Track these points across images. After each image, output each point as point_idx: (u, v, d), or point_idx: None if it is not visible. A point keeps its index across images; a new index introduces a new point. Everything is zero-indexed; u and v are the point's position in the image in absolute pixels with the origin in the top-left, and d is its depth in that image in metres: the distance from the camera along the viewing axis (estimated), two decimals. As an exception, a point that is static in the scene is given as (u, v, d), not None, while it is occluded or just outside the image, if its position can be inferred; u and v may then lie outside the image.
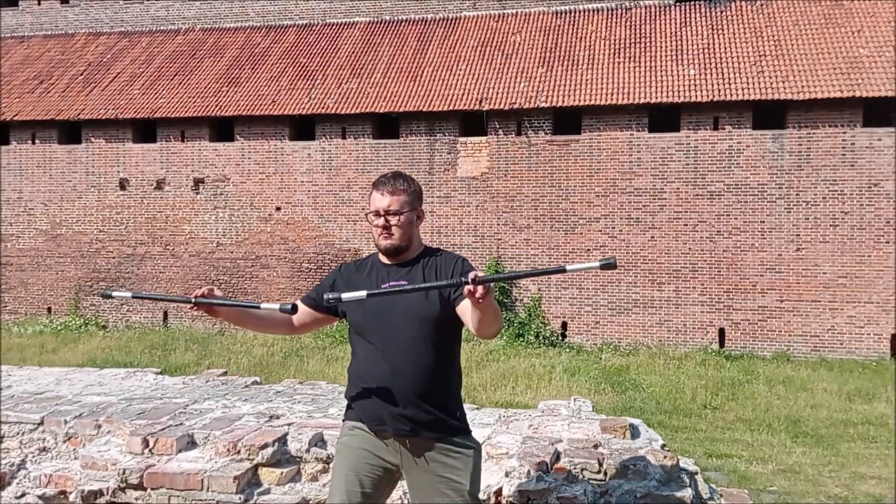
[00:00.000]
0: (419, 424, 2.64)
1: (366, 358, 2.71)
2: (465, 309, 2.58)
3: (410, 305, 2.66)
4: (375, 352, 2.68)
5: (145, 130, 17.54)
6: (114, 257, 17.44)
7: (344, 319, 2.87)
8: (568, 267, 2.42)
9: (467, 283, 2.30)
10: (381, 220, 2.74)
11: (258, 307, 2.79)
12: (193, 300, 2.74)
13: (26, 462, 3.83)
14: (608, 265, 2.31)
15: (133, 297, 3.04)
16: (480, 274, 2.33)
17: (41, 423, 3.96)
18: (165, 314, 17.12)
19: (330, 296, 2.54)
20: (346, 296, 2.50)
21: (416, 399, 2.63)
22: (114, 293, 2.97)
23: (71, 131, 17.86)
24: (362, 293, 2.49)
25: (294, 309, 2.68)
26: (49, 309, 17.68)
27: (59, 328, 16.64)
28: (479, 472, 2.76)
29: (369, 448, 2.72)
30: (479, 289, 2.30)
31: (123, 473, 3.45)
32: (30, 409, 4.10)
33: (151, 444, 3.62)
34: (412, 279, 2.72)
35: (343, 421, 2.84)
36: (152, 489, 3.42)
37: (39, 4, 20.54)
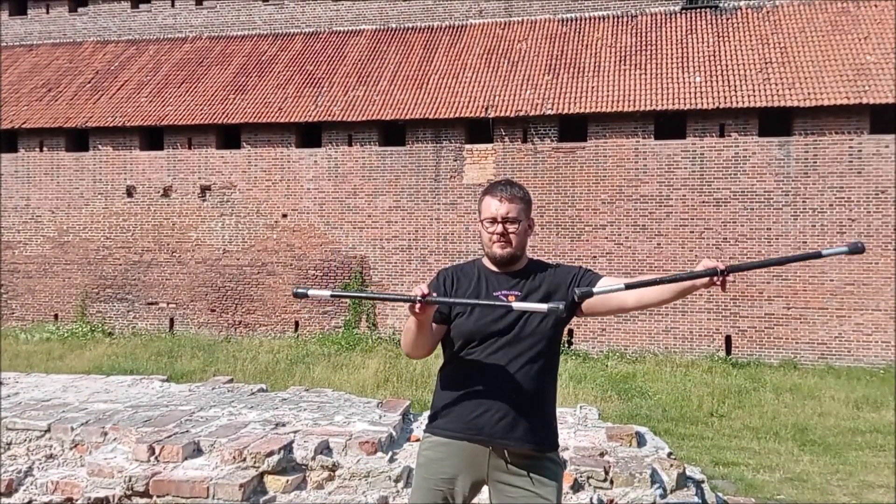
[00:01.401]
0: (523, 434, 2.59)
1: (474, 367, 2.63)
2: (612, 297, 2.56)
3: (527, 317, 2.61)
4: (486, 361, 2.62)
5: (152, 138, 17.61)
6: (120, 264, 17.49)
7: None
8: (823, 252, 2.44)
9: (720, 272, 2.32)
10: (500, 228, 2.66)
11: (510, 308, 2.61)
12: (420, 299, 2.45)
13: (33, 469, 3.84)
14: (857, 250, 2.38)
15: (332, 297, 2.77)
16: (715, 264, 2.35)
17: (48, 430, 3.97)
18: (172, 321, 17.15)
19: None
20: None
21: (520, 409, 2.59)
22: (310, 292, 2.64)
23: (78, 139, 17.94)
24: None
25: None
26: (56, 316, 17.73)
27: (65, 335, 16.67)
28: (562, 490, 2.72)
29: (455, 465, 2.64)
30: (729, 278, 2.34)
31: (129, 481, 3.45)
32: (37, 416, 4.11)
33: (157, 452, 3.63)
34: (527, 289, 2.66)
35: (426, 433, 2.76)
36: (158, 496, 3.42)
37: (48, 13, 20.66)
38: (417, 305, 2.45)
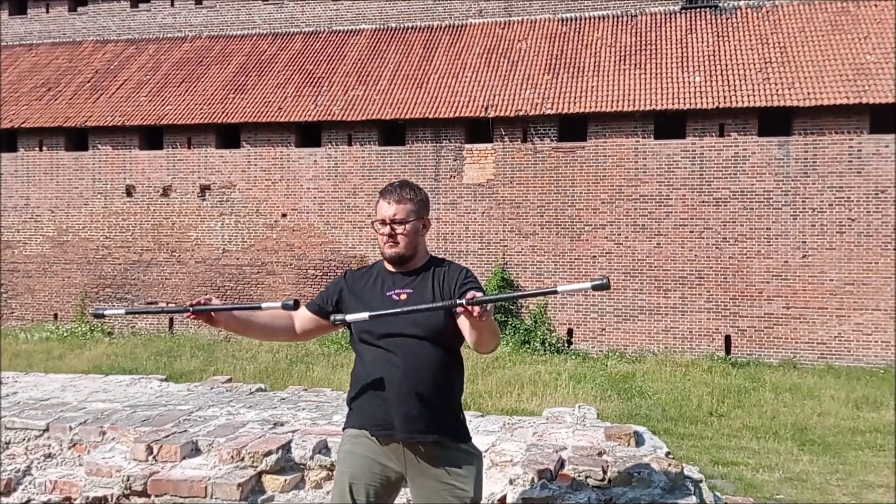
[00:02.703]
0: (427, 426, 2.64)
1: (372, 362, 2.71)
2: (464, 324, 2.62)
3: (418, 314, 2.67)
4: (382, 356, 2.69)
5: (152, 137, 17.61)
6: (120, 264, 17.49)
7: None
8: (559, 288, 2.45)
9: (462, 304, 2.36)
10: (387, 229, 2.75)
11: (259, 307, 2.76)
12: (191, 308, 2.69)
13: (31, 468, 3.84)
14: (600, 287, 2.33)
15: (127, 314, 2.90)
16: (479, 295, 2.38)
17: (46, 430, 3.97)
18: (171, 321, 17.15)
19: (337, 317, 2.62)
20: (350, 317, 2.58)
21: (424, 400, 2.64)
22: (106, 311, 2.81)
23: (78, 138, 17.95)
24: (364, 315, 2.54)
25: (296, 304, 2.69)
26: (55, 315, 17.73)
27: (65, 334, 16.68)
28: (481, 480, 2.76)
29: (373, 456, 2.71)
30: (476, 309, 2.36)
31: (127, 480, 3.45)
32: (35, 416, 4.11)
33: (156, 451, 3.63)
34: (418, 288, 2.75)
35: (344, 429, 2.84)
36: (156, 496, 3.42)
37: (48, 12, 20.66)
38: (187, 314, 2.68)
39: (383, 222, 2.75)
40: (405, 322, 2.66)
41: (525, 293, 2.59)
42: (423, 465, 2.67)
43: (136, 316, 17.28)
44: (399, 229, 2.74)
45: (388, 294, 2.75)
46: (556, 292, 2.48)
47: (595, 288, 2.33)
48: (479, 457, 2.80)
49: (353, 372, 2.82)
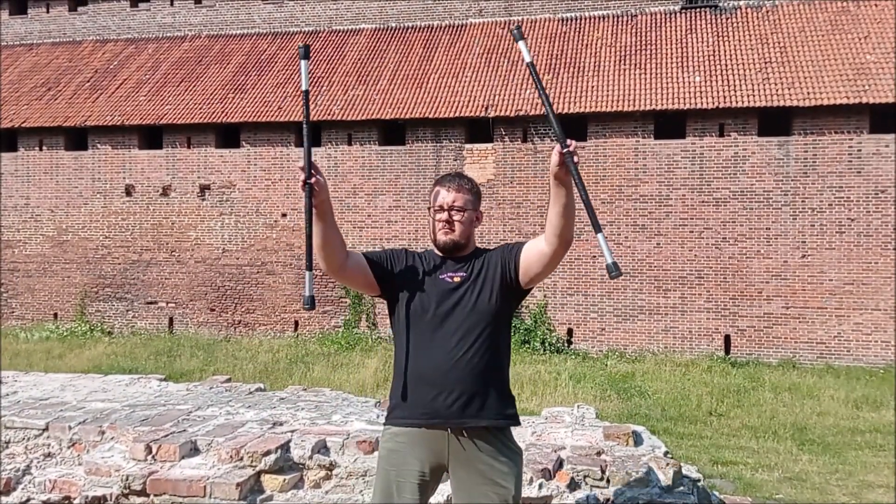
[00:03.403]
0: (480, 410, 2.63)
1: (423, 347, 2.68)
2: (529, 249, 2.77)
3: (469, 297, 2.70)
4: (435, 341, 2.67)
5: (151, 137, 17.61)
6: (119, 263, 17.50)
7: (387, 300, 2.82)
8: (599, 236, 2.70)
9: (566, 149, 2.56)
10: (445, 215, 2.75)
11: (309, 266, 2.64)
12: (309, 182, 2.60)
13: (31, 467, 3.85)
14: (611, 270, 2.54)
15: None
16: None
17: (46, 429, 3.97)
18: (171, 320, 17.15)
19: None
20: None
21: (476, 386, 2.63)
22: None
23: (77, 138, 17.95)
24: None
25: (312, 305, 2.62)
26: (55, 315, 17.74)
27: (65, 334, 16.68)
28: (521, 480, 2.74)
29: (415, 454, 2.67)
30: (572, 143, 2.56)
31: (127, 480, 3.46)
32: (35, 415, 4.12)
33: (155, 451, 3.63)
34: (470, 272, 2.75)
35: (385, 424, 2.79)
36: (155, 496, 3.42)
37: (48, 12, 20.67)
38: (310, 182, 2.58)
39: (441, 208, 2.76)
40: (459, 305, 2.67)
41: (589, 205, 2.77)
42: (468, 455, 2.64)
43: (136, 315, 17.28)
44: (457, 216, 2.75)
45: (441, 277, 2.74)
46: (599, 229, 2.68)
47: (609, 267, 2.49)
48: (521, 455, 2.77)
49: (398, 360, 2.77)
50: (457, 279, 2.73)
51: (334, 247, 2.70)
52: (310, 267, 2.65)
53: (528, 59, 2.65)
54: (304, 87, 2.70)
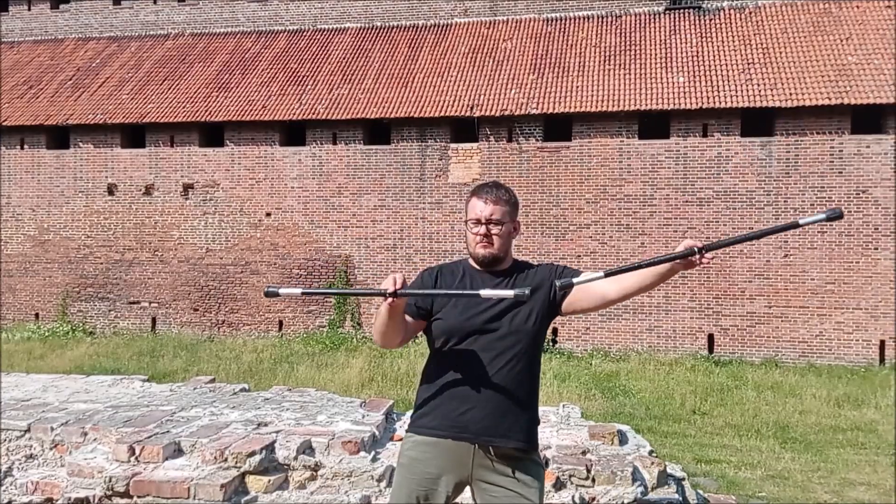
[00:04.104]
0: (508, 430, 2.60)
1: (455, 361, 2.64)
2: (590, 287, 2.58)
3: (507, 316, 2.63)
4: (469, 360, 2.62)
5: (134, 135, 17.48)
6: (102, 263, 17.36)
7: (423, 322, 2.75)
8: (801, 221, 2.45)
9: (699, 250, 2.36)
10: (483, 229, 2.68)
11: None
12: (392, 294, 2.46)
13: (13, 469, 3.81)
14: (835, 216, 2.39)
15: (303, 294, 2.75)
16: (696, 244, 2.39)
17: (28, 431, 3.94)
18: (154, 321, 17.04)
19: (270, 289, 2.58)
20: (283, 290, 2.59)
21: (508, 407, 2.60)
22: (280, 290, 2.62)
23: (59, 136, 17.79)
24: (298, 290, 2.63)
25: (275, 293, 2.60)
26: (37, 315, 17.58)
27: (46, 334, 16.53)
28: (543, 491, 2.72)
29: (438, 465, 2.64)
30: (708, 256, 2.37)
31: (110, 481, 3.43)
32: (16, 416, 4.08)
33: (138, 452, 3.60)
34: (509, 287, 2.65)
35: (408, 433, 2.75)
36: (139, 497, 3.40)
37: (30, 10, 20.47)
38: (389, 300, 2.46)
39: (478, 222, 2.68)
40: (497, 323, 2.61)
41: (761, 233, 2.53)
42: (493, 469, 2.62)
43: (118, 315, 17.17)
44: (495, 230, 2.67)
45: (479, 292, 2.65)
46: (797, 225, 2.47)
47: (829, 219, 2.40)
48: (544, 468, 2.76)
49: (428, 370, 2.73)
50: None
51: (401, 334, 2.65)
52: (306, 292, 2.70)
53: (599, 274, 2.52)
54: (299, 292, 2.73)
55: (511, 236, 2.73)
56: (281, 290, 2.62)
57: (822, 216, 2.36)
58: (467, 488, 2.71)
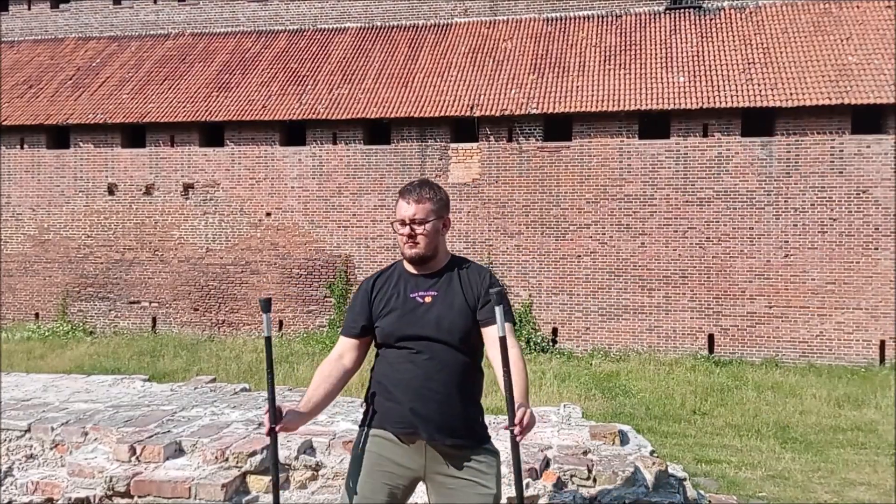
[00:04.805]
0: (450, 430, 2.64)
1: (396, 362, 2.70)
2: (488, 334, 2.68)
3: (440, 318, 2.68)
4: (406, 357, 2.68)
5: (134, 135, 17.48)
6: (102, 263, 17.35)
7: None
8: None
9: (515, 429, 2.47)
10: (407, 230, 2.72)
11: (280, 409, 2.71)
12: (276, 430, 2.66)
13: (13, 469, 3.81)
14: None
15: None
16: (526, 413, 2.51)
17: (28, 430, 3.93)
18: (154, 320, 17.04)
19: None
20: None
21: (445, 404, 2.64)
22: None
23: (59, 136, 17.79)
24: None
25: (268, 303, 2.68)
26: (37, 315, 17.57)
27: (46, 334, 16.52)
28: (500, 478, 2.76)
29: (392, 456, 2.69)
30: (523, 429, 2.49)
31: (110, 481, 3.43)
32: (17, 416, 4.07)
33: (139, 452, 3.60)
34: (442, 290, 2.74)
35: (361, 427, 2.81)
36: (139, 497, 3.40)
37: (29, 9, 20.46)
38: (275, 430, 2.63)
39: (403, 223, 2.73)
40: (429, 325, 2.66)
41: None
42: (446, 462, 2.66)
43: (119, 314, 17.16)
44: (419, 230, 2.72)
45: (411, 296, 2.73)
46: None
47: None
48: (499, 455, 2.79)
49: (375, 370, 2.80)
50: (428, 299, 2.72)
51: (336, 392, 2.81)
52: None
53: (501, 335, 2.59)
54: (266, 334, 2.77)
55: (440, 234, 2.78)
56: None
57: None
58: (420, 485, 2.76)
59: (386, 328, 2.72)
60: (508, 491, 3.24)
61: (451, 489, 2.65)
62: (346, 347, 2.83)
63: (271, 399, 2.66)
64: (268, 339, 2.75)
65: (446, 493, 2.66)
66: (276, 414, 2.63)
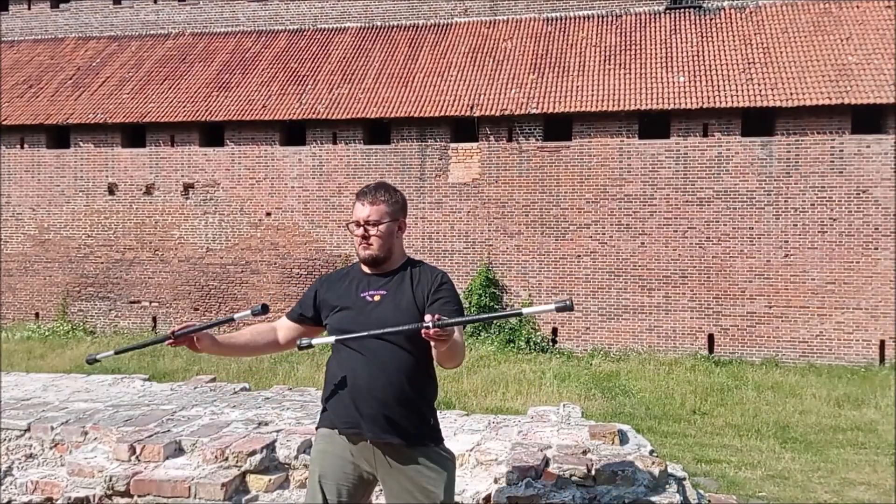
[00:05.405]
0: (393, 427, 2.65)
1: (344, 362, 2.73)
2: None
3: (387, 315, 2.70)
4: (353, 357, 2.71)
5: (134, 135, 17.48)
6: (102, 262, 17.36)
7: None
8: (524, 311, 2.49)
9: (427, 327, 2.38)
10: (361, 231, 2.77)
11: (233, 318, 2.85)
12: (173, 335, 2.78)
13: (13, 469, 3.81)
14: (564, 308, 2.37)
15: (116, 354, 3.07)
16: (444, 318, 2.42)
17: (28, 430, 3.93)
18: (154, 320, 17.04)
19: (303, 342, 2.65)
20: (316, 341, 2.64)
21: (389, 403, 2.66)
22: (98, 356, 2.97)
23: (59, 136, 17.79)
24: (331, 339, 2.66)
25: (265, 309, 2.75)
26: (37, 314, 17.57)
27: (46, 334, 16.53)
28: (453, 483, 2.77)
29: (345, 455, 2.73)
30: (433, 332, 2.38)
31: (110, 480, 3.43)
32: (16, 416, 4.08)
33: (138, 451, 3.60)
34: (392, 289, 2.77)
35: (317, 428, 2.86)
36: (139, 496, 3.40)
37: (29, 9, 20.46)
38: (169, 341, 2.77)
39: (357, 224, 2.77)
40: (376, 323, 2.67)
41: (490, 315, 2.60)
42: (394, 464, 2.69)
43: (119, 314, 17.16)
44: (373, 231, 2.76)
45: (361, 295, 2.77)
46: (520, 314, 2.51)
47: (559, 309, 2.36)
48: (452, 459, 2.81)
49: (327, 370, 2.84)
50: (377, 297, 2.76)
51: (252, 349, 2.98)
52: (230, 319, 2.99)
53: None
54: (234, 316, 3.01)
55: (394, 236, 2.81)
56: (99, 356, 2.96)
57: (552, 306, 2.37)
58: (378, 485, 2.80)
59: (335, 325, 2.77)
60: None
61: (398, 492, 2.68)
62: (282, 324, 2.98)
63: (201, 326, 2.83)
64: (231, 319, 3.00)
65: (394, 496, 2.69)
66: (189, 329, 2.80)
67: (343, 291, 2.82)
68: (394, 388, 2.66)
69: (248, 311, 2.77)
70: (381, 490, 2.93)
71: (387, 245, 2.78)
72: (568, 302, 2.37)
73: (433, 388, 2.83)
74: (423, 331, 2.40)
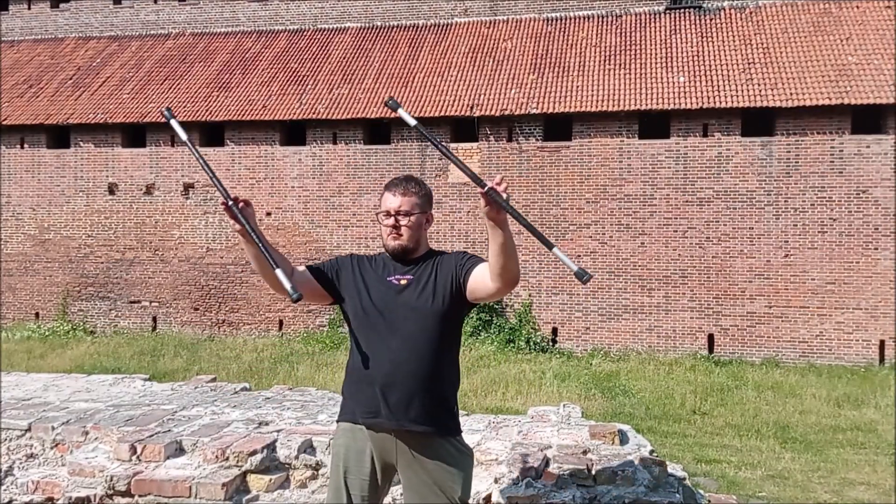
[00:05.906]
0: (416, 416, 2.63)
1: (366, 348, 2.71)
2: (478, 273, 2.65)
3: (414, 299, 2.70)
4: (377, 342, 2.69)
5: (134, 135, 17.48)
6: (102, 262, 17.36)
7: (340, 306, 2.87)
8: (555, 249, 2.41)
9: (490, 186, 2.41)
10: (392, 221, 2.76)
11: (274, 266, 2.64)
12: (231, 203, 2.73)
13: (13, 469, 3.81)
14: (581, 275, 2.37)
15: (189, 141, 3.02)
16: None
17: (28, 430, 3.94)
18: (154, 320, 17.04)
19: (296, 294, 2.55)
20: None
21: (413, 389, 2.63)
22: (173, 121, 2.99)
23: (60, 136, 17.79)
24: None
25: (299, 297, 2.64)
26: (37, 314, 17.57)
27: (46, 333, 16.53)
28: (470, 480, 2.77)
29: (366, 450, 2.71)
30: (502, 185, 2.42)
31: (111, 480, 3.44)
32: (17, 416, 4.08)
33: (139, 451, 3.61)
34: (418, 275, 2.76)
35: (338, 422, 2.83)
36: (140, 496, 3.40)
37: (29, 9, 20.47)
38: (223, 203, 2.72)
39: (388, 214, 2.77)
40: (402, 308, 2.68)
41: (531, 225, 2.50)
42: (415, 457, 2.67)
43: (119, 314, 17.16)
44: (403, 221, 2.76)
45: (388, 279, 2.76)
46: (552, 247, 2.41)
47: (577, 273, 2.36)
48: (471, 455, 2.80)
49: (349, 360, 2.82)
50: (403, 282, 2.74)
51: (275, 264, 2.74)
52: (276, 265, 2.65)
53: (413, 123, 2.68)
54: (184, 138, 2.97)
55: (422, 227, 2.81)
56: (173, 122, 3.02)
57: (575, 268, 2.38)
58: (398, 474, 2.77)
59: (354, 305, 2.76)
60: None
61: (417, 487, 2.67)
62: (299, 269, 2.89)
63: (217, 182, 2.81)
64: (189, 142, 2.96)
65: (413, 490, 2.68)
66: (227, 194, 2.74)
67: (369, 274, 2.81)
68: (417, 375, 2.64)
69: (288, 285, 2.56)
70: (399, 482, 2.92)
71: (416, 236, 2.79)
72: (585, 277, 2.37)
73: (457, 376, 2.82)
74: (486, 187, 2.39)
